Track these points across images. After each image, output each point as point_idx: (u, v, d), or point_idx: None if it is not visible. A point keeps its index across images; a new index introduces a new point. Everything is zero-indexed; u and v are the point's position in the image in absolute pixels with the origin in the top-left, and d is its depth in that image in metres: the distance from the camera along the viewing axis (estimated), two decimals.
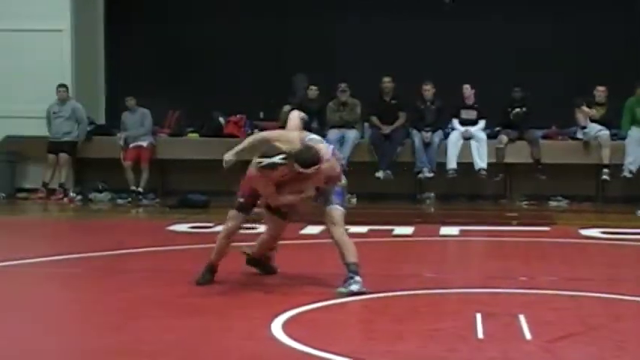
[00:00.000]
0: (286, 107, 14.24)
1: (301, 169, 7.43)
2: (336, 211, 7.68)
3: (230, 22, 16.47)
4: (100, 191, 15.24)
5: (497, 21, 16.13)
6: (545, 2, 16.18)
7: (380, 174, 14.91)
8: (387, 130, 15.13)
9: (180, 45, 16.50)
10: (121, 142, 15.29)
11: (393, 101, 15.36)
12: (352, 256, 7.61)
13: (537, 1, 16.23)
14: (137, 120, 15.45)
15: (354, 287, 7.49)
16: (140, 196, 15.07)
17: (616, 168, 14.71)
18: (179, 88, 16.15)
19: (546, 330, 6.44)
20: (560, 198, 14.87)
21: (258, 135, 8.31)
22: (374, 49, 16.06)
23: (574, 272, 8.89)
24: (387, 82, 15.32)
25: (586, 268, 9.19)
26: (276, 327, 6.47)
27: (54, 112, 15.43)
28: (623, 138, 14.84)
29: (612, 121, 14.99)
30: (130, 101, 15.53)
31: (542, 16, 16.07)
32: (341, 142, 14.74)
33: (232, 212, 7.91)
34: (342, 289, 7.52)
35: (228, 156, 7.82)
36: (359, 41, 16.20)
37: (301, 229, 10.72)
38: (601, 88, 15.02)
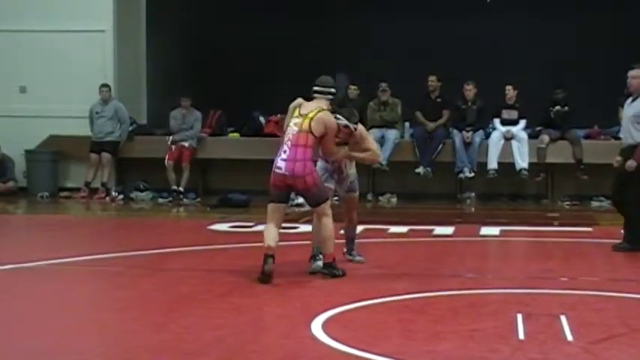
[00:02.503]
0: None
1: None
2: (357, 197, 9.06)
3: (269, 22, 16.49)
4: (142, 190, 15.35)
5: (538, 21, 16.02)
6: (586, 1, 16.05)
7: (420, 170, 14.90)
8: (431, 126, 15.14)
9: (221, 45, 16.54)
10: (170, 143, 15.30)
11: (438, 99, 15.38)
12: None
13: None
14: (188, 120, 15.49)
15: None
16: (181, 196, 15.16)
17: None
18: (219, 87, 16.21)
19: (588, 331, 6.41)
20: (602, 198, 14.73)
21: None
22: (415, 49, 16.00)
23: (616, 273, 8.82)
24: (432, 80, 15.33)
25: (628, 269, 9.11)
26: (316, 326, 6.48)
27: (96, 112, 15.54)
28: None
29: None
30: (186, 102, 15.53)
31: (583, 15, 15.93)
32: (381, 141, 14.72)
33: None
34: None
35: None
36: (400, 41, 16.15)
37: (341, 229, 10.71)
38: None
